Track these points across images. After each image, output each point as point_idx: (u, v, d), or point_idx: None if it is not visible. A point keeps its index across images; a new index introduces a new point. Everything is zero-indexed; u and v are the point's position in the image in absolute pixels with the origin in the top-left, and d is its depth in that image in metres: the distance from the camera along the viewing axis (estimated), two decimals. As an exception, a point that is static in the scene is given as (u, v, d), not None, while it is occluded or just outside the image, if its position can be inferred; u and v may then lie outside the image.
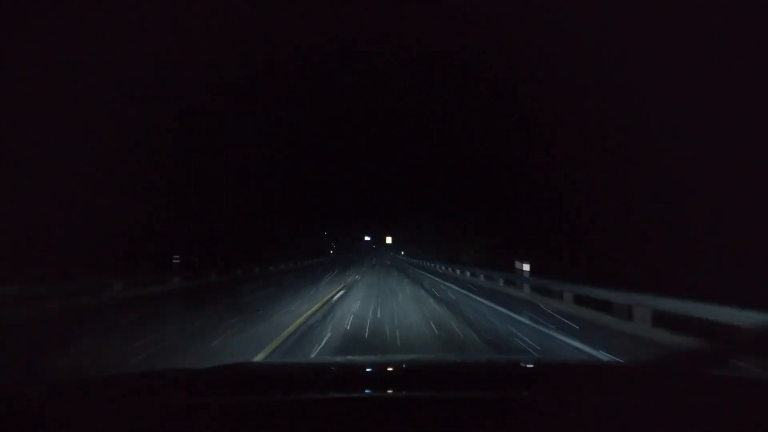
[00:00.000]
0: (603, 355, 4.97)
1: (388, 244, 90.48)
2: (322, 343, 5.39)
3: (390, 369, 1.67)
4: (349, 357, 4.04)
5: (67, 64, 13.49)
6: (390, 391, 1.19)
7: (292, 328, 6.26)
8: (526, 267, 13.09)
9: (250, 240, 28.95)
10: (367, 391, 1.19)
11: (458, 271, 22.31)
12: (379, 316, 7.79)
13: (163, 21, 16.81)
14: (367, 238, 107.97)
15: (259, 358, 4.52)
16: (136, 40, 15.59)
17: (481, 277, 17.85)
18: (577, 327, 6.87)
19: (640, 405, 1.01)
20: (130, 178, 15.87)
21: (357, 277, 19.36)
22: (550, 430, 0.92)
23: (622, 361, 4.18)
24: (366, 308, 8.76)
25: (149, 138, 16.69)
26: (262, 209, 33.73)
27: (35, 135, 12.36)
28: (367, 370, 1.65)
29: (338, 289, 13.05)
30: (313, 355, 4.87)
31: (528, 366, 1.75)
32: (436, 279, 19.30)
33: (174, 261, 15.75)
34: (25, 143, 12.06)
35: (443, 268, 26.81)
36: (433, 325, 6.80)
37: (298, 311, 8.02)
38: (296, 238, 45.55)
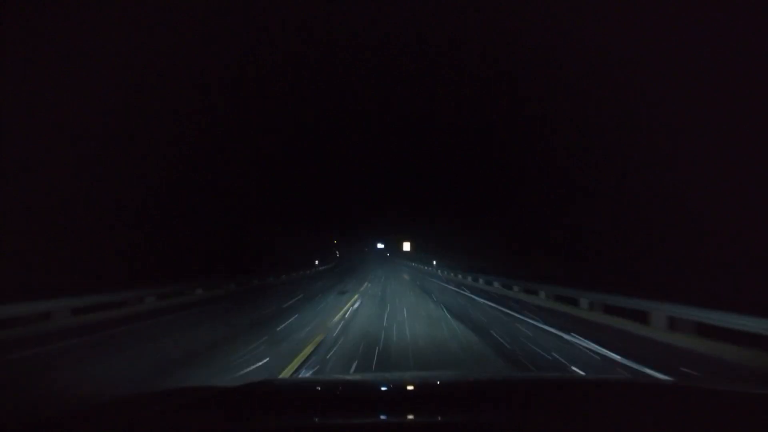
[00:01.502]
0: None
1: (406, 252, 69.27)
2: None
3: (409, 388, 1.64)
4: (369, 374, 4.06)
5: (66, 67, 13.47)
6: (410, 417, 1.18)
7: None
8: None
9: (249, 249, 28.05)
10: (382, 416, 1.18)
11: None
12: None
13: (161, 20, 16.77)
14: (380, 246, 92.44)
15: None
16: (134, 41, 15.57)
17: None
18: None
19: (665, 421, 1.02)
20: (132, 184, 15.85)
21: None
22: None
23: (646, 378, 4.19)
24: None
25: (148, 139, 16.67)
26: (265, 216, 33.40)
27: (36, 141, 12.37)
28: (383, 389, 1.63)
29: None
30: None
31: (547, 384, 1.73)
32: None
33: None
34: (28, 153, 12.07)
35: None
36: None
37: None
38: (296, 245, 40.35)
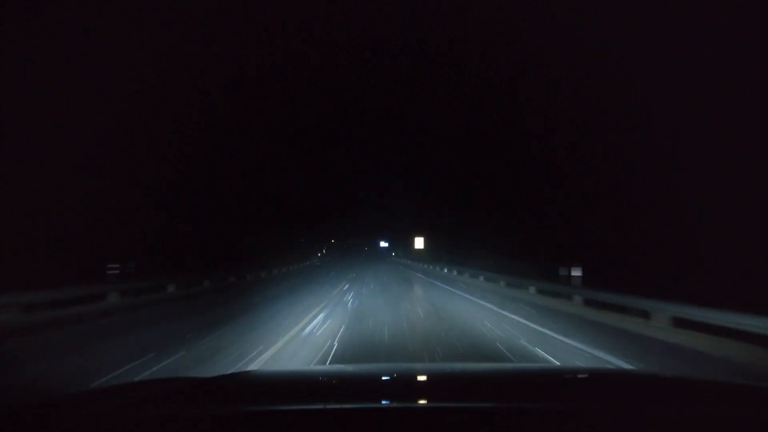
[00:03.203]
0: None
1: (419, 250, 52.99)
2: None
3: (393, 378, 1.63)
4: (358, 365, 4.05)
5: (69, 64, 13.48)
6: (392, 403, 1.17)
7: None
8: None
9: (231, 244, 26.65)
10: (366, 403, 1.16)
11: None
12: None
13: (161, 20, 16.78)
14: (383, 244, 79.65)
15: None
16: (134, 41, 15.58)
17: None
18: None
19: (665, 412, 1.03)
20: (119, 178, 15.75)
21: None
22: None
23: (653, 371, 4.27)
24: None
25: (142, 138, 16.66)
26: (257, 216, 32.84)
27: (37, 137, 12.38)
28: (384, 378, 1.62)
29: None
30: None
31: (541, 376, 1.74)
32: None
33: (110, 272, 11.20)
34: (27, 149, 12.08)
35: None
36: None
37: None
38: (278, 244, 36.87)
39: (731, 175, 12.45)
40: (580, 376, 1.76)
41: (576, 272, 12.85)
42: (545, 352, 5.21)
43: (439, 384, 1.47)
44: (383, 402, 1.17)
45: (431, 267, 30.43)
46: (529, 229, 24.62)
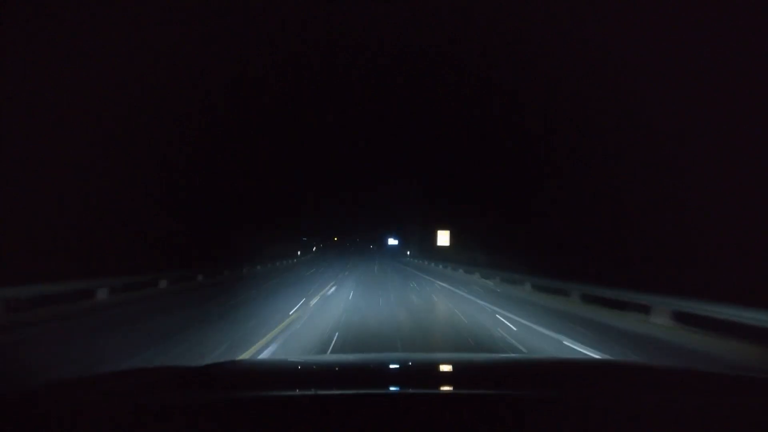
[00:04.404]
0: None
1: (442, 247, 39.82)
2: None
3: (391, 367, 1.63)
4: (355, 355, 4.01)
5: (69, 64, 13.48)
6: (386, 390, 1.17)
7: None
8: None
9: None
10: (365, 389, 1.16)
11: None
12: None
13: (162, 20, 16.77)
14: (392, 242, 69.14)
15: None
16: (134, 41, 15.57)
17: None
18: None
19: (656, 403, 1.03)
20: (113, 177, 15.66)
21: None
22: (571, 427, 0.92)
23: (646, 362, 4.28)
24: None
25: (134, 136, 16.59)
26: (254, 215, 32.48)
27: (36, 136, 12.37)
28: (391, 367, 1.61)
29: None
30: None
31: (543, 365, 1.76)
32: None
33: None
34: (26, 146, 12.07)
35: None
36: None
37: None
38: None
39: (731, 174, 12.44)
40: (584, 366, 1.80)
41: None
42: None
43: (438, 373, 1.47)
44: (390, 389, 1.17)
45: (468, 275, 19.65)
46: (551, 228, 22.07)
